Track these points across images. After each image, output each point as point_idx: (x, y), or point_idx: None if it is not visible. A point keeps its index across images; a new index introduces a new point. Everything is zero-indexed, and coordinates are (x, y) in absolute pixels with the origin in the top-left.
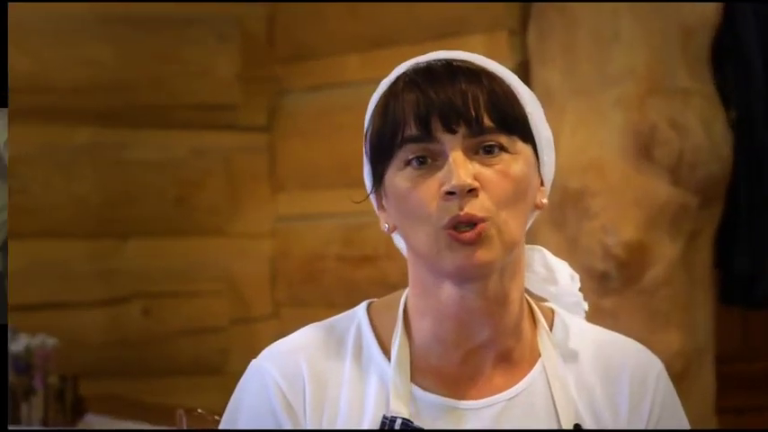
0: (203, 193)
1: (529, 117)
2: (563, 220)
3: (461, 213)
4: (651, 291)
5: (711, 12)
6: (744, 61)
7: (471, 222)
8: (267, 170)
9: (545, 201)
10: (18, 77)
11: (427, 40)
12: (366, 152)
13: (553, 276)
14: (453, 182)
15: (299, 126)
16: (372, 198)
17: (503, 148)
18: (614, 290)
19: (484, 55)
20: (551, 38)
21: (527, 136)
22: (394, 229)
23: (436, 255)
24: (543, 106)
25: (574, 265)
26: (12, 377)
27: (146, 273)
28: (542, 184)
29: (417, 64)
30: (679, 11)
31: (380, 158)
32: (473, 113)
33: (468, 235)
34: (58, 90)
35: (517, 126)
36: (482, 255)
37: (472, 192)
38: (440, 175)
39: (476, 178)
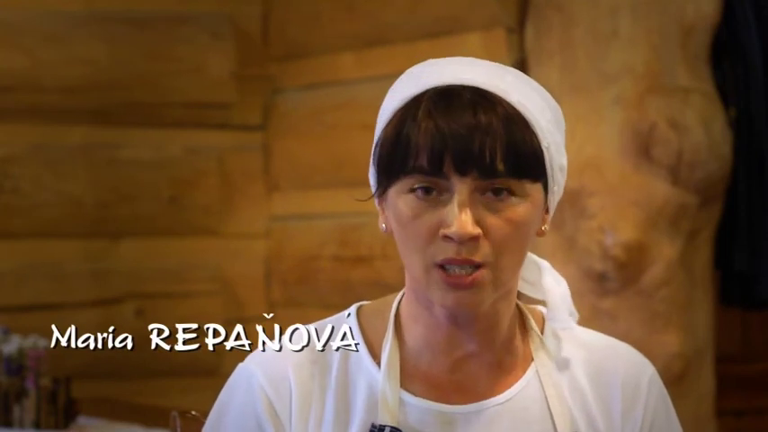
0: (197, 193)
1: (545, 151)
2: (560, 220)
3: (458, 258)
4: (650, 291)
5: (711, 10)
6: (743, 60)
7: (467, 265)
8: (261, 169)
9: (546, 228)
10: (11, 76)
11: (423, 38)
12: (373, 159)
13: (544, 300)
14: (454, 228)
15: (293, 125)
16: (375, 198)
17: (511, 192)
18: (613, 290)
19: (482, 52)
20: (549, 35)
21: (539, 175)
22: (391, 232)
23: (426, 287)
24: None
25: (572, 265)
26: (3, 379)
27: (139, 273)
28: (547, 211)
29: (440, 85)
30: (679, 9)
31: (387, 174)
32: (488, 160)
33: (462, 282)
34: (51, 89)
35: (530, 170)
36: (472, 299)
37: (473, 239)
38: (443, 212)
39: (479, 223)
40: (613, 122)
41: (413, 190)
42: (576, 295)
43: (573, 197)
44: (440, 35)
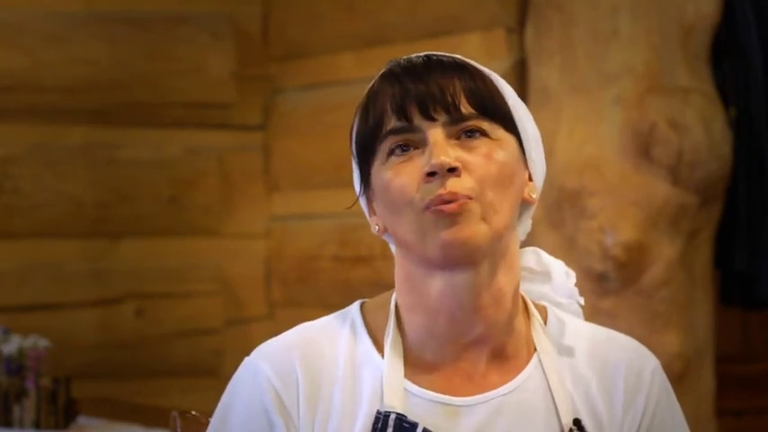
0: (197, 193)
1: (512, 110)
2: (560, 220)
3: (444, 192)
4: (650, 291)
5: (711, 10)
6: (743, 60)
7: (455, 200)
8: (261, 169)
9: (535, 196)
10: (11, 75)
11: (423, 38)
12: (353, 154)
13: (548, 273)
14: (433, 161)
15: (293, 125)
16: (362, 202)
17: (484, 134)
18: (613, 290)
19: (481, 52)
20: (549, 35)
21: (510, 126)
22: (384, 230)
23: (421, 240)
24: (540, 104)
25: (571, 265)
26: (3, 379)
27: (139, 273)
28: (531, 179)
29: (396, 60)
30: (679, 9)
31: (365, 156)
32: (450, 99)
33: (451, 206)
34: (51, 89)
35: (498, 113)
36: (465, 228)
37: (454, 171)
38: (421, 160)
39: (458, 161)
40: (613, 122)
41: (390, 153)
42: None
43: (573, 197)
44: (440, 35)
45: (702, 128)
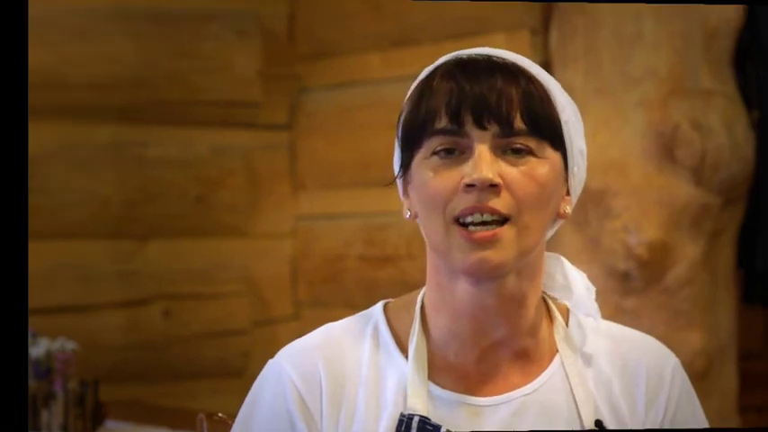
0: (223, 192)
1: (564, 125)
2: (585, 220)
3: (478, 206)
4: (673, 290)
5: (734, 14)
6: (765, 62)
7: (490, 218)
8: (287, 169)
9: (568, 210)
10: (38, 73)
11: (448, 38)
12: (397, 136)
13: (569, 287)
14: (475, 175)
15: (319, 124)
16: (399, 183)
17: (531, 152)
18: (636, 289)
19: None
20: (573, 38)
21: (558, 143)
22: (415, 216)
23: (447, 251)
24: None
25: (595, 264)
26: (32, 383)
27: (166, 274)
28: (568, 193)
29: (458, 56)
30: (702, 13)
31: (410, 145)
32: (505, 112)
33: (481, 235)
34: (79, 87)
35: (549, 131)
36: (494, 256)
37: (494, 188)
38: (464, 167)
39: (500, 177)
40: (637, 124)
41: (435, 153)
42: (600, 294)
43: (597, 197)
44: (465, 36)
45: (725, 130)
